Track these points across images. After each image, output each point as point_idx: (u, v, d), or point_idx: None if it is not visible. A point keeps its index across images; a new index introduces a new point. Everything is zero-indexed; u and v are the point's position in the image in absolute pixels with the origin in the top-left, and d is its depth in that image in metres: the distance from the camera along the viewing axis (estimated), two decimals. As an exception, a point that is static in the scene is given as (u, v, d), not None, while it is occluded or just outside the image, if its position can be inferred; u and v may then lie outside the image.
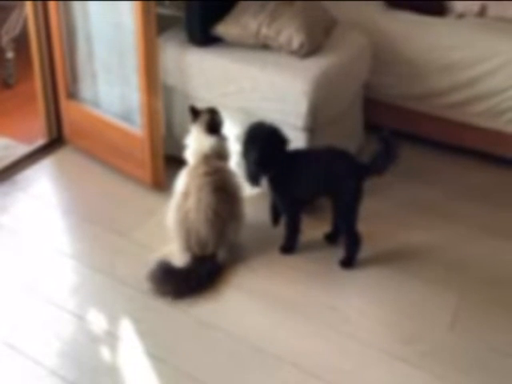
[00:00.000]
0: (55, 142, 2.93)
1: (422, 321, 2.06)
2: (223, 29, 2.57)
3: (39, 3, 2.71)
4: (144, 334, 1.98)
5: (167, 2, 2.81)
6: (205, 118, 2.29)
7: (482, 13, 2.90)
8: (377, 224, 2.48)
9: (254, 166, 2.15)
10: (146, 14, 2.31)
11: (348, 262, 2.24)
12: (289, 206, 2.27)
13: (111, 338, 1.97)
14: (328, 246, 2.35)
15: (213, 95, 2.55)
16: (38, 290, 2.15)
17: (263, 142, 2.15)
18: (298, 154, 2.25)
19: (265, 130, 2.18)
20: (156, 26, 2.38)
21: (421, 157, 2.91)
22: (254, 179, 2.20)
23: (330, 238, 2.36)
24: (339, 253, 2.27)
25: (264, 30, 2.49)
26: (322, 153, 2.24)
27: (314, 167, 2.21)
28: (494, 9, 2.88)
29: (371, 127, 2.93)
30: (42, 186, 2.69)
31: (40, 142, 2.91)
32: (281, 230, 2.32)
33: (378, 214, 2.55)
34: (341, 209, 2.22)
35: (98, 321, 2.03)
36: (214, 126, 2.29)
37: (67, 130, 2.91)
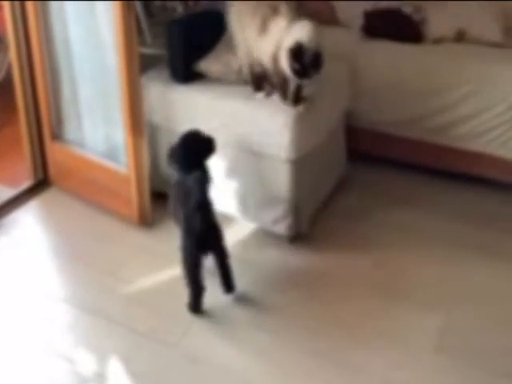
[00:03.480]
0: (41, 183, 2.94)
1: (407, 345, 2.05)
2: (206, 66, 2.61)
3: (23, 47, 2.74)
4: (134, 373, 1.95)
5: (149, 41, 2.85)
6: None
7: (458, 37, 2.97)
8: (361, 248, 2.50)
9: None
10: (128, 53, 2.34)
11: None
12: None
13: (101, 379, 1.94)
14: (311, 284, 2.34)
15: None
16: (27, 334, 2.12)
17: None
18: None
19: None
20: (139, 65, 2.41)
21: (403, 180, 2.94)
22: None
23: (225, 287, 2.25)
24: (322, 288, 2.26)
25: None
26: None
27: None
28: (470, 33, 2.95)
29: (355, 154, 2.98)
30: (28, 228, 2.69)
31: (26, 184, 2.92)
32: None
33: (363, 238, 2.57)
34: None
35: (87, 362, 2.00)
36: None
37: (53, 171, 2.91)
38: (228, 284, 2.22)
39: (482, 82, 2.71)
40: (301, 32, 2.19)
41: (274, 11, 2.30)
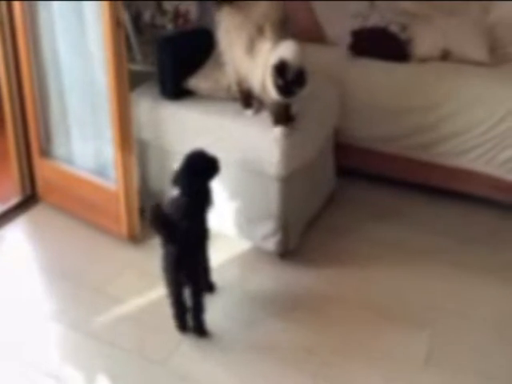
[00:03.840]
0: (29, 199, 2.92)
1: (396, 360, 2.06)
2: (195, 83, 2.62)
3: (11, 63, 2.74)
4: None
5: (139, 58, 2.86)
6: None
7: (443, 56, 3.01)
8: (346, 262, 2.52)
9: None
10: (118, 70, 2.35)
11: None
12: None
13: (89, 399, 1.92)
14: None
15: (187, 147, 2.56)
16: (14, 350, 2.10)
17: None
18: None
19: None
20: (128, 81, 2.42)
21: (392, 196, 2.97)
22: None
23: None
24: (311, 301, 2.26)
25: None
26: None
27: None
28: (455, 52, 2.99)
29: (343, 171, 3.00)
30: (16, 244, 2.67)
31: (14, 200, 2.90)
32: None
33: (348, 252, 2.59)
34: None
35: (75, 380, 1.98)
36: None
37: (41, 187, 2.90)
38: (195, 321, 2.13)
39: (468, 100, 2.76)
40: (285, 50, 2.23)
41: (260, 31, 2.33)
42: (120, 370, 2.02)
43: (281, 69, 2.19)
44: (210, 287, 2.32)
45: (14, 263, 2.55)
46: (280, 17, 2.32)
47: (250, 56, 2.35)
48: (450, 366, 2.04)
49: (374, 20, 3.27)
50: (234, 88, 2.52)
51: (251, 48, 2.34)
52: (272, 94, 2.26)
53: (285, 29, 2.31)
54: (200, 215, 2.19)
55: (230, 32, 2.43)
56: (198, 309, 2.12)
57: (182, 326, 2.15)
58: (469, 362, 2.05)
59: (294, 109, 2.42)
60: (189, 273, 2.09)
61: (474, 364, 2.05)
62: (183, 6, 2.94)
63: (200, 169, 2.19)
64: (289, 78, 2.19)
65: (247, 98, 2.49)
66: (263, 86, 2.31)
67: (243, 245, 2.60)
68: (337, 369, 2.02)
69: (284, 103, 2.33)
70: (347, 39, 3.10)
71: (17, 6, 2.61)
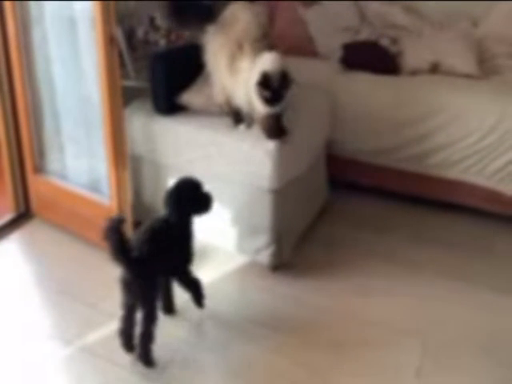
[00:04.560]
0: (23, 215, 2.93)
1: (388, 370, 2.06)
2: (188, 98, 2.65)
3: (5, 79, 2.75)
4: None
5: (132, 75, 2.88)
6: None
7: (433, 69, 3.06)
8: (340, 275, 2.53)
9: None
10: (111, 86, 2.37)
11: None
12: None
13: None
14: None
15: (180, 161, 2.60)
16: (7, 365, 2.09)
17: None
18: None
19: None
20: (122, 97, 2.44)
21: (384, 208, 2.99)
22: None
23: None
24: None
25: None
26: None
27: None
28: (445, 65, 3.03)
29: (336, 183, 3.02)
30: (11, 260, 2.66)
31: (7, 217, 2.90)
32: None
33: (342, 264, 2.60)
34: None
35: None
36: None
37: (35, 203, 2.91)
38: (141, 348, 2.03)
39: (457, 112, 2.79)
40: (263, 63, 2.28)
41: (240, 48, 2.38)
42: (114, 385, 2.02)
43: (265, 82, 2.23)
44: (201, 303, 2.32)
45: (8, 279, 2.54)
46: (260, 33, 2.36)
47: (231, 74, 2.39)
48: (442, 377, 2.04)
49: (365, 33, 3.32)
50: (224, 107, 2.55)
51: (232, 66, 2.38)
52: (260, 108, 2.28)
53: (265, 44, 2.35)
54: (175, 246, 2.11)
55: (215, 53, 2.47)
56: (146, 337, 2.02)
57: (126, 344, 2.07)
58: (461, 373, 2.06)
59: (285, 121, 2.44)
60: (139, 297, 2.02)
61: (467, 374, 2.05)
62: (176, 22, 2.97)
63: (186, 201, 2.10)
64: (274, 86, 2.24)
65: (237, 115, 2.52)
66: (249, 104, 2.35)
67: (237, 258, 2.61)
68: (328, 381, 2.02)
69: (274, 115, 2.35)
70: (339, 52, 3.14)
71: (10, 24, 2.64)
